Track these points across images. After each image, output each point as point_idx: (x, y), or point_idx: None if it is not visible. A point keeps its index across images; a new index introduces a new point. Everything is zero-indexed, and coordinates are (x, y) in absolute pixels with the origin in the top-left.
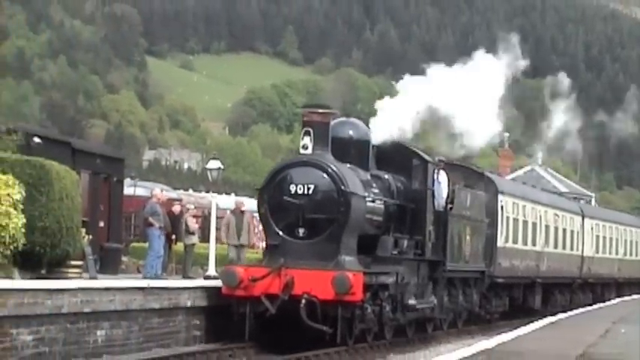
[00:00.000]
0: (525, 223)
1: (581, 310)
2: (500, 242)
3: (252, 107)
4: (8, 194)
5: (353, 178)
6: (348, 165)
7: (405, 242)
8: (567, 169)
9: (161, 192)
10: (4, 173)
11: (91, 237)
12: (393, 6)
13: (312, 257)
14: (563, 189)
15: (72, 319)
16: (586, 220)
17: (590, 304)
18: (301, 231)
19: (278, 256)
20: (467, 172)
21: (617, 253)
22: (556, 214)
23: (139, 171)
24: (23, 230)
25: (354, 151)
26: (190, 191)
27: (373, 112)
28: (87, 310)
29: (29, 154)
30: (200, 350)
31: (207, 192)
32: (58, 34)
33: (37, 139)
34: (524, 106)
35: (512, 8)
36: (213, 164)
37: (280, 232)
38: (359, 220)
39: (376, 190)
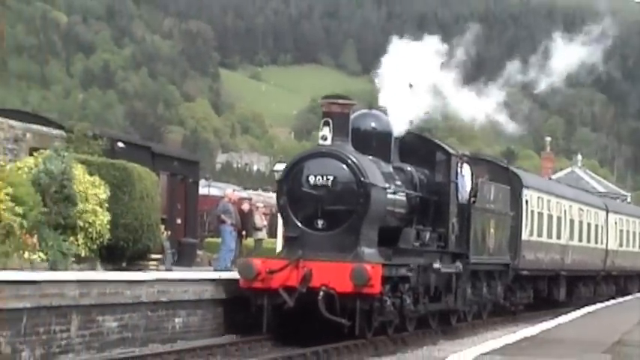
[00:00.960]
0: (550, 216)
1: (614, 301)
2: (524, 235)
3: (315, 114)
4: (95, 194)
5: (373, 169)
6: (370, 157)
7: (428, 234)
8: (605, 171)
9: (232, 192)
10: (91, 175)
11: (169, 233)
12: (445, 22)
13: (331, 249)
14: (600, 189)
15: (152, 307)
16: (610, 214)
17: (614, 297)
18: (320, 223)
19: (296, 248)
20: (492, 166)
21: None
22: (581, 209)
23: (212, 173)
24: (108, 226)
25: (375, 143)
26: (259, 191)
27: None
28: (164, 299)
29: (113, 157)
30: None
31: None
32: (140, 48)
33: (120, 144)
34: (565, 112)
35: (554, 22)
36: (280, 166)
37: (299, 224)
38: (379, 212)
39: (398, 183)
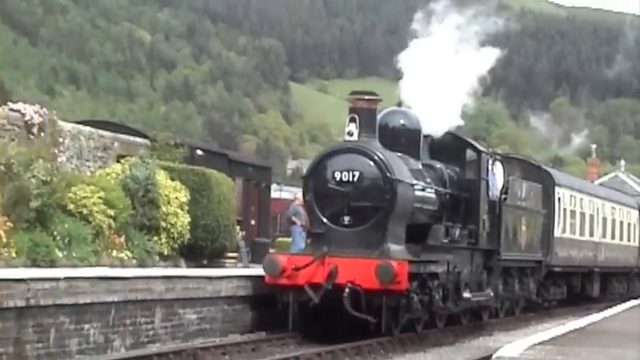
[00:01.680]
0: (582, 214)
1: None
2: (557, 232)
3: None
4: (176, 197)
5: (400, 165)
6: (399, 154)
7: (457, 231)
8: None
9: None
10: (173, 180)
11: (244, 233)
12: (497, 38)
13: (358, 246)
14: None
15: (228, 301)
16: None
17: None
18: (346, 219)
19: (322, 244)
20: (524, 165)
21: None
22: (613, 207)
23: (283, 178)
24: (188, 227)
25: (404, 140)
26: None
27: (481, 128)
28: (241, 293)
29: (193, 164)
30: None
31: None
32: (217, 63)
33: (199, 152)
34: (609, 121)
35: (598, 38)
36: None
37: (325, 220)
38: (406, 209)
39: (428, 180)
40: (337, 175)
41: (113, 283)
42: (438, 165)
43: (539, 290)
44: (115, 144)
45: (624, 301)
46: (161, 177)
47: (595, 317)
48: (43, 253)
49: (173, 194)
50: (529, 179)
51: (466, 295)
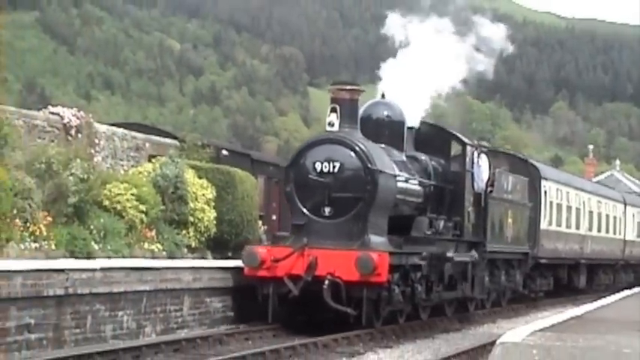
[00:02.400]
0: (569, 208)
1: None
2: (543, 225)
3: None
4: (203, 194)
5: (382, 156)
6: (382, 145)
7: (442, 223)
8: None
9: None
10: (200, 178)
11: (266, 227)
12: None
13: (338, 237)
14: (636, 189)
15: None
16: (628, 207)
17: (633, 284)
18: (327, 210)
19: (303, 236)
20: (511, 159)
21: None
22: (599, 201)
23: None
24: (214, 222)
25: (388, 131)
26: None
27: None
28: None
29: (219, 163)
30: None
31: None
32: (241, 71)
33: (224, 152)
34: (605, 124)
35: (595, 47)
36: None
37: (306, 212)
38: (388, 200)
39: (412, 171)
40: (318, 166)
41: (145, 274)
42: (423, 157)
43: (526, 282)
44: (147, 144)
45: (610, 292)
46: (189, 175)
47: (592, 306)
48: (81, 245)
49: (200, 191)
50: (516, 173)
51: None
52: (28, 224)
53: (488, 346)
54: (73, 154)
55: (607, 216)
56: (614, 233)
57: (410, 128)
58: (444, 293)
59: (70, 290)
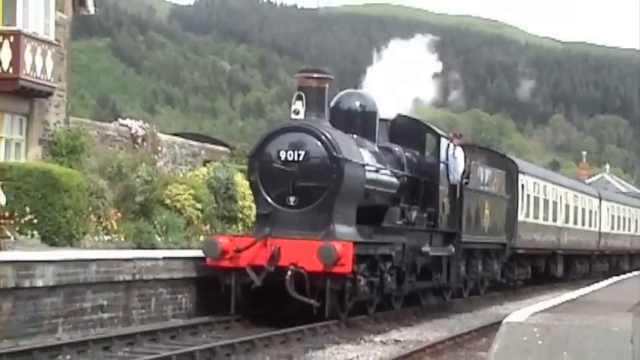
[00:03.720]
0: (546, 201)
1: (635, 273)
2: (520, 217)
3: None
4: (250, 194)
5: (349, 145)
6: (354, 136)
7: (414, 213)
8: (627, 176)
9: None
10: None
11: None
12: (507, 65)
13: (303, 227)
14: (623, 189)
15: None
16: (603, 201)
17: (607, 272)
18: (292, 199)
19: (268, 225)
20: (490, 153)
21: (629, 230)
22: (575, 195)
23: None
24: None
25: (360, 121)
26: None
27: (495, 139)
28: None
29: None
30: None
31: None
32: (283, 87)
33: None
34: (596, 133)
35: (588, 67)
36: None
37: (271, 201)
38: (356, 189)
39: (384, 162)
40: (282, 155)
41: (200, 262)
42: (396, 148)
43: (504, 271)
44: (202, 151)
45: (586, 280)
46: (238, 177)
47: (585, 290)
48: (146, 238)
49: (247, 191)
50: (495, 166)
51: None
52: (101, 220)
53: (495, 325)
54: (139, 159)
55: (583, 209)
56: (590, 225)
57: (385, 120)
58: (417, 283)
59: (137, 276)
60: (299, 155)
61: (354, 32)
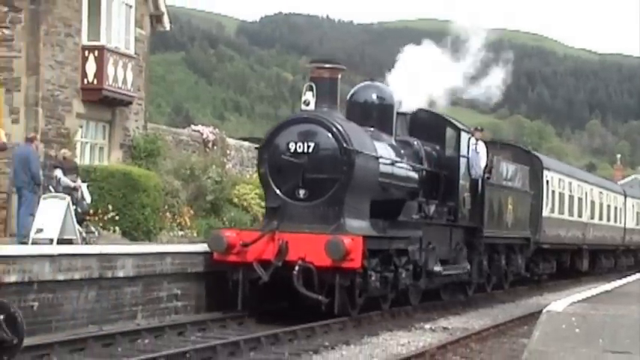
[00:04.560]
0: (571, 197)
1: None
2: (545, 212)
3: None
4: None
5: (362, 137)
6: (371, 128)
7: (433, 207)
8: None
9: None
10: None
11: None
12: (547, 74)
13: (313, 221)
14: None
15: None
16: (628, 199)
17: (632, 266)
18: (302, 192)
19: (277, 219)
20: (515, 150)
21: None
22: (601, 192)
23: None
24: None
25: (376, 114)
26: None
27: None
28: None
29: None
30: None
31: None
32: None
33: None
34: (630, 137)
35: (622, 76)
36: None
37: (280, 194)
38: (369, 182)
39: (402, 155)
40: (292, 146)
41: None
42: (415, 142)
43: (529, 265)
44: None
45: (612, 274)
46: None
47: (619, 282)
48: None
49: None
50: (520, 163)
51: (437, 269)
52: (175, 217)
53: (536, 314)
54: (210, 162)
55: (608, 206)
56: (615, 222)
57: (405, 114)
58: (435, 279)
59: (208, 268)
60: (309, 147)
61: (405, 45)
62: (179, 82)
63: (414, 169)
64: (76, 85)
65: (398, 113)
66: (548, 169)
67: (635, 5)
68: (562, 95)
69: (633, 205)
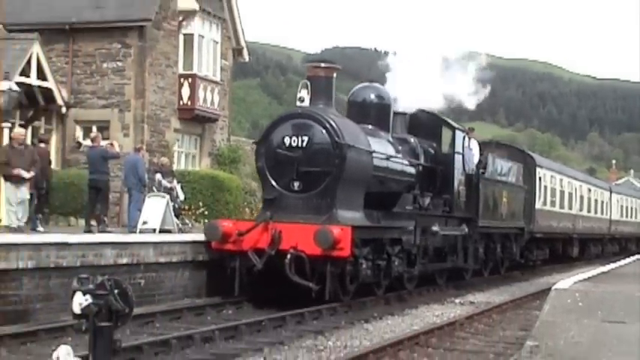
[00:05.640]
0: (562, 192)
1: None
2: (538, 205)
3: None
4: None
5: (355, 132)
6: (370, 126)
7: (428, 199)
8: None
9: None
10: None
11: None
12: (555, 95)
13: (307, 211)
14: None
15: None
16: (613, 194)
17: (617, 252)
18: (296, 184)
19: (273, 210)
20: (511, 149)
21: (636, 218)
22: (589, 188)
23: None
24: None
25: (374, 113)
26: None
27: (545, 151)
28: None
29: None
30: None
31: None
32: None
33: None
34: (623, 146)
35: (617, 96)
36: None
37: (276, 186)
38: (362, 175)
39: (399, 151)
40: (287, 141)
41: None
42: (412, 139)
43: (524, 253)
44: None
45: (600, 259)
46: None
47: (615, 265)
48: None
49: None
50: (514, 160)
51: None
52: (253, 212)
53: (546, 291)
54: None
55: (596, 200)
56: (602, 214)
57: (404, 114)
58: (429, 265)
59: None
60: (303, 141)
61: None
62: (256, 103)
63: (411, 164)
64: (174, 105)
65: (398, 113)
66: (540, 166)
67: (630, 36)
68: (567, 112)
69: (618, 200)
